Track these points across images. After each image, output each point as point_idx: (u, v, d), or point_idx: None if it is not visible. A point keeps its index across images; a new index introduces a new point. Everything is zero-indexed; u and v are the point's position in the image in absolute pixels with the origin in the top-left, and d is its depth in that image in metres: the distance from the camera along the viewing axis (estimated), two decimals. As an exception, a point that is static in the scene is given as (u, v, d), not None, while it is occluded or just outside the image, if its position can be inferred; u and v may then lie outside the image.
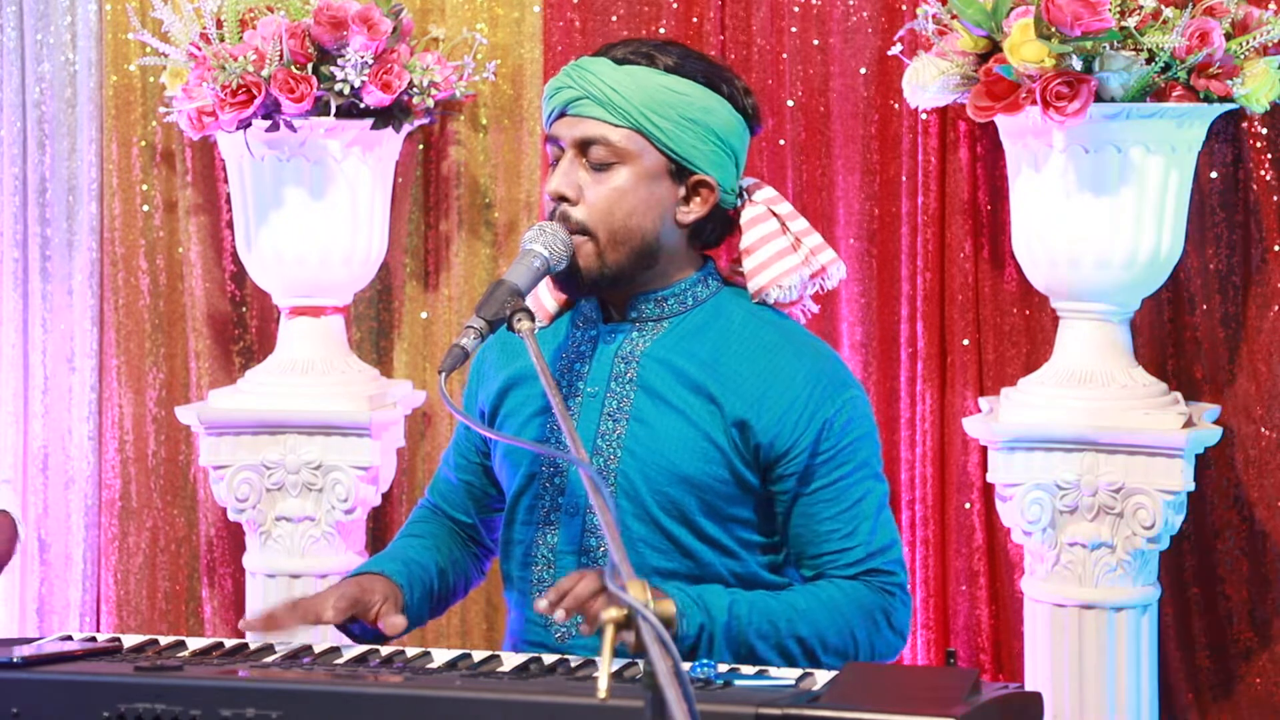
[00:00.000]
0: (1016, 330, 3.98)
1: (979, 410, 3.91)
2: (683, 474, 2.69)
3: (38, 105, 4.29)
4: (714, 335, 2.74)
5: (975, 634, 4.00)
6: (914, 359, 4.00)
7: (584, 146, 2.70)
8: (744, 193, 2.80)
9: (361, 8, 3.81)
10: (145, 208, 4.30)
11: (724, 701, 2.19)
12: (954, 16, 3.60)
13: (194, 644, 2.51)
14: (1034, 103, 3.47)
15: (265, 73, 3.77)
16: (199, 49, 3.84)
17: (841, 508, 2.70)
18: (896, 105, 3.96)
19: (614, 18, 4.09)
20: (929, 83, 3.64)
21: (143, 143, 4.29)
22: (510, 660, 2.45)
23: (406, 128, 3.96)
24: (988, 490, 3.86)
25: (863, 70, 3.99)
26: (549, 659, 2.46)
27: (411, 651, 2.51)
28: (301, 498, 3.97)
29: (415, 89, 3.89)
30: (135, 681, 2.30)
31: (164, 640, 2.52)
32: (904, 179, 3.98)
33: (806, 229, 2.81)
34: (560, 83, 2.74)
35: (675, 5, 4.07)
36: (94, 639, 2.54)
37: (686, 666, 2.18)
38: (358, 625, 2.69)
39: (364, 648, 2.52)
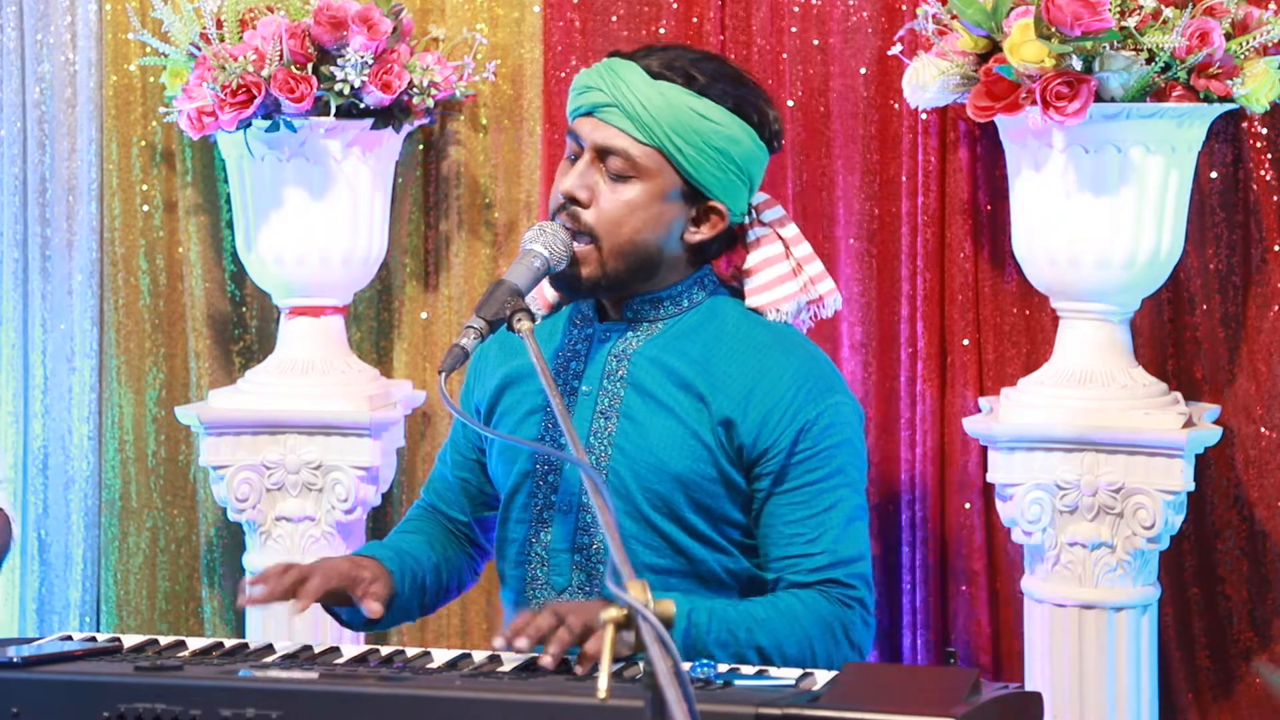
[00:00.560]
0: (1016, 330, 3.97)
1: (979, 410, 3.90)
2: (672, 471, 2.69)
3: (38, 105, 4.29)
4: (707, 335, 2.74)
5: (975, 634, 4.00)
6: (914, 359, 4.00)
7: (604, 153, 2.70)
8: (752, 209, 2.80)
9: (361, 8, 3.81)
10: (145, 208, 4.30)
11: (724, 701, 2.19)
12: (954, 16, 3.60)
13: (194, 644, 2.51)
14: (1034, 103, 3.46)
15: (265, 73, 3.77)
16: (199, 49, 3.84)
17: (809, 512, 2.68)
18: (896, 105, 3.96)
19: (614, 18, 4.09)
20: (929, 83, 3.64)
21: (143, 143, 4.29)
22: (510, 660, 2.45)
23: (406, 128, 3.96)
24: (988, 490, 3.86)
25: (863, 70, 3.99)
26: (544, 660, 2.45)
27: (411, 651, 2.51)
28: (301, 498, 3.97)
29: (415, 89, 3.89)
30: (135, 681, 2.30)
31: (164, 640, 2.52)
32: (904, 179, 3.98)
33: (809, 255, 2.82)
34: (592, 82, 2.73)
35: (675, 5, 4.07)
36: (94, 639, 2.54)
37: (686, 666, 2.18)
38: (346, 611, 2.69)
39: (364, 648, 2.52)
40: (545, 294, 2.83)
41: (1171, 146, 3.60)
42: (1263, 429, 3.86)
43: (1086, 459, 3.62)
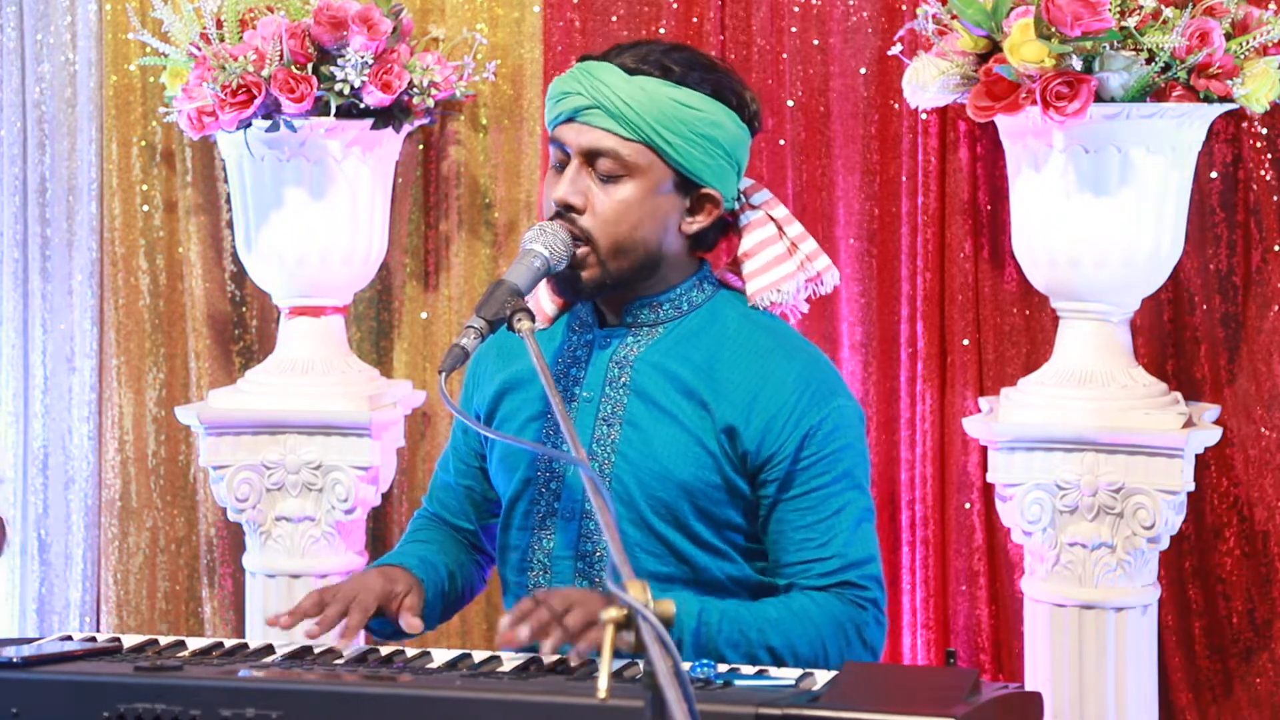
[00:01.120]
0: (1016, 330, 3.98)
1: (979, 410, 3.90)
2: (676, 479, 2.68)
3: (38, 105, 4.29)
4: (708, 340, 2.73)
5: (975, 634, 4.00)
6: (914, 359, 4.00)
7: (592, 156, 2.69)
8: (741, 195, 2.80)
9: (361, 8, 3.81)
10: (145, 208, 4.30)
11: (724, 701, 2.19)
12: (954, 16, 3.60)
13: (194, 644, 2.51)
14: (1034, 103, 3.46)
15: (265, 73, 3.77)
16: (199, 49, 3.84)
17: (818, 517, 2.68)
18: (896, 105, 3.96)
19: (614, 18, 4.09)
20: (929, 83, 3.64)
21: (143, 143, 4.29)
22: (510, 660, 2.45)
23: (406, 128, 3.96)
24: (988, 490, 3.86)
25: (863, 70, 3.99)
26: (549, 659, 2.45)
27: (411, 651, 2.51)
28: (301, 498, 3.97)
29: (415, 89, 3.89)
30: (135, 681, 2.30)
31: (164, 640, 2.52)
32: (904, 179, 3.98)
33: (802, 234, 2.82)
34: (569, 87, 2.71)
35: (675, 5, 4.07)
36: (94, 639, 2.54)
37: (686, 666, 2.18)
38: (375, 621, 2.68)
39: (364, 648, 2.52)
40: (545, 309, 2.82)
41: (1171, 146, 3.60)
42: (1263, 429, 3.86)
43: (1086, 459, 3.62)
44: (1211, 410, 3.81)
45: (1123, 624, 3.65)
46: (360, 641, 2.63)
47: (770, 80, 4.03)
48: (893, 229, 4.01)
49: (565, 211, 2.68)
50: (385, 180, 4.05)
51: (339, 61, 3.79)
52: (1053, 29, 3.43)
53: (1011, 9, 3.51)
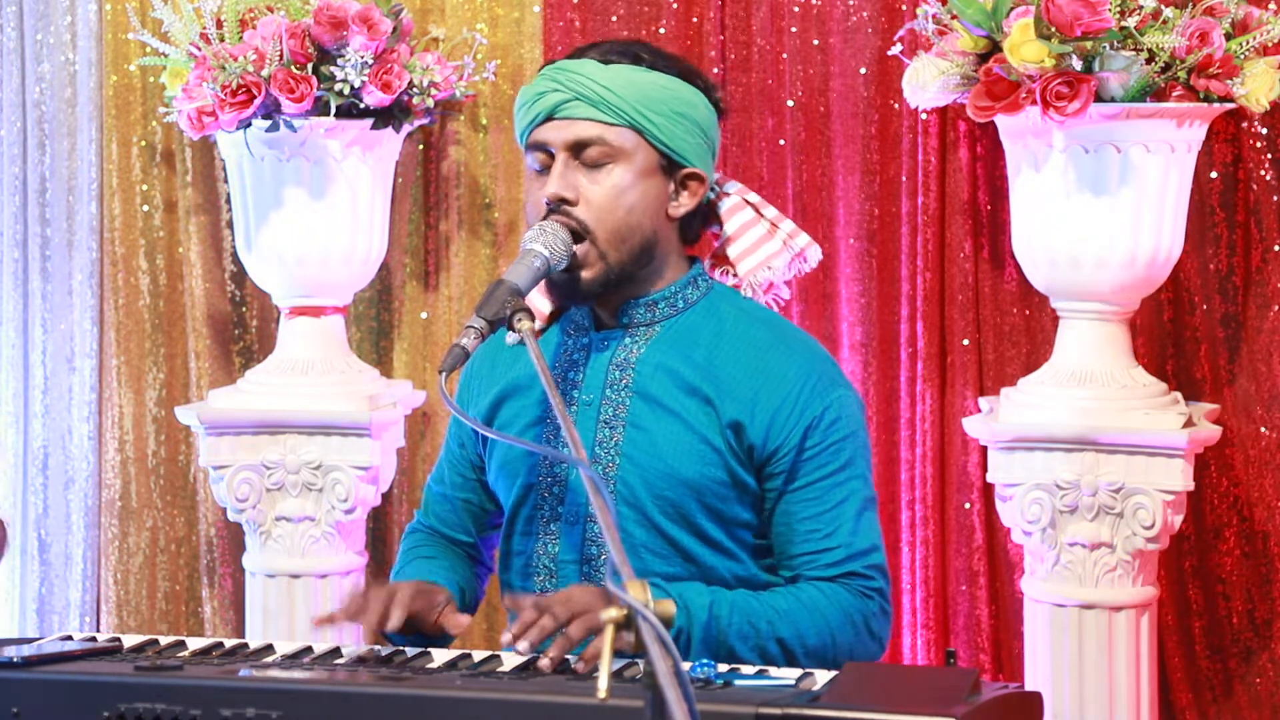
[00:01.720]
0: (1016, 330, 3.98)
1: (979, 410, 3.91)
2: (682, 477, 2.68)
3: (38, 105, 4.29)
4: (707, 337, 2.74)
5: (975, 634, 4.00)
6: (914, 359, 4.00)
7: (578, 148, 2.70)
8: (715, 185, 2.83)
9: (361, 8, 3.81)
10: (145, 208, 4.30)
11: (724, 701, 2.19)
12: (954, 16, 3.60)
13: (194, 644, 2.51)
14: (1034, 103, 3.47)
15: (265, 73, 3.77)
16: (199, 49, 3.84)
17: (823, 508, 2.68)
18: (896, 105, 3.96)
19: (614, 18, 4.09)
20: (929, 83, 3.64)
21: (143, 143, 4.29)
22: (510, 660, 2.45)
23: (406, 128, 3.96)
24: (988, 490, 3.86)
25: (863, 70, 3.99)
26: (542, 663, 2.45)
27: (411, 651, 2.51)
28: (301, 498, 3.97)
29: (415, 89, 3.89)
30: (135, 681, 2.30)
31: (164, 640, 2.52)
32: (904, 179, 3.98)
33: (778, 215, 2.88)
34: (543, 87, 2.73)
35: (675, 5, 4.07)
36: (94, 639, 2.54)
37: (686, 666, 2.18)
38: (394, 634, 2.67)
39: (364, 648, 2.52)
40: (540, 308, 2.83)
41: (1171, 146, 3.60)
42: (1263, 429, 3.86)
43: (1086, 459, 3.62)
44: (1211, 410, 3.82)
45: (1123, 624, 3.65)
46: (360, 640, 2.62)
47: (770, 80, 4.03)
48: (893, 229, 4.01)
49: (559, 206, 2.69)
50: (385, 180, 4.05)
51: (339, 61, 3.79)
52: (1053, 29, 3.43)
53: (1011, 9, 3.51)
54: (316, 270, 3.97)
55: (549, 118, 2.72)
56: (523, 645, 2.41)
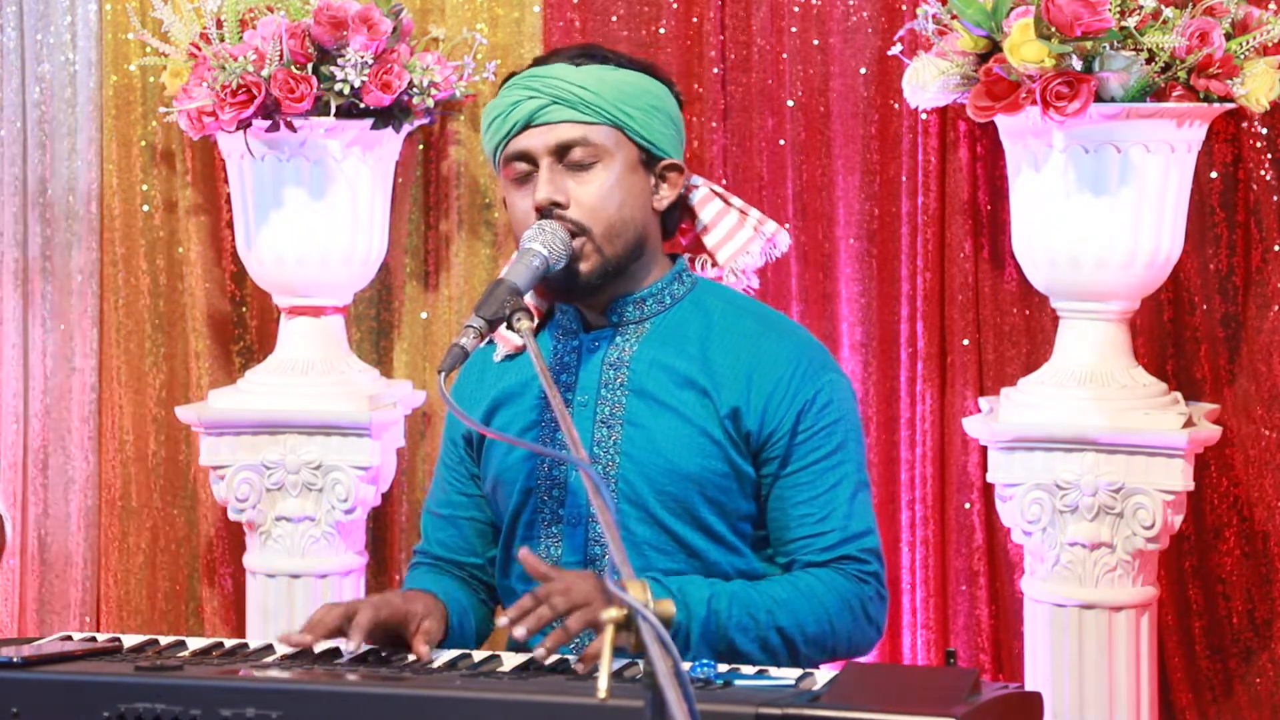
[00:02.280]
0: (1016, 330, 3.98)
1: (979, 410, 3.90)
2: (683, 471, 2.69)
3: (38, 105, 4.29)
4: (697, 330, 2.75)
5: (975, 634, 4.00)
6: (914, 359, 4.00)
7: (562, 151, 2.71)
8: None
9: (361, 8, 3.81)
10: (145, 208, 4.30)
11: (724, 701, 2.19)
12: (954, 16, 3.60)
13: (194, 644, 2.51)
14: (1034, 103, 3.47)
15: (265, 73, 3.77)
16: (199, 49, 3.84)
17: (816, 492, 2.69)
18: (896, 105, 3.96)
19: (614, 18, 4.09)
20: (929, 83, 3.64)
21: (143, 143, 4.29)
22: (510, 660, 2.45)
23: (406, 128, 3.96)
24: (988, 490, 3.86)
25: (863, 70, 3.99)
26: (537, 652, 2.45)
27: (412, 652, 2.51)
28: (301, 498, 3.97)
29: (415, 89, 3.89)
30: (135, 681, 2.29)
31: (164, 640, 2.52)
32: (904, 179, 3.98)
33: (744, 204, 2.94)
34: (517, 96, 2.73)
35: (675, 5, 4.07)
36: (94, 639, 2.54)
37: (686, 666, 2.18)
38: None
39: (364, 647, 2.51)
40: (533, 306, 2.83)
41: (1171, 146, 3.60)
42: (1263, 429, 3.86)
43: (1086, 459, 3.62)
44: (1211, 410, 3.81)
45: (1123, 624, 3.65)
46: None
47: (770, 80, 4.03)
48: (893, 229, 4.01)
49: (550, 211, 2.69)
50: (385, 180, 4.05)
51: (339, 61, 3.79)
52: (1053, 29, 3.43)
53: (1011, 9, 3.51)
54: (316, 270, 3.97)
55: (527, 125, 2.72)
56: (519, 631, 2.40)
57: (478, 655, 2.48)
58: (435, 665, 2.44)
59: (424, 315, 4.25)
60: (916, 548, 4.01)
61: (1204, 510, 3.89)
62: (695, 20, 4.07)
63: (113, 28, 4.25)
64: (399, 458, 4.15)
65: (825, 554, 2.69)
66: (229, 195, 4.13)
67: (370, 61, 3.79)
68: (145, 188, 4.29)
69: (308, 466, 3.95)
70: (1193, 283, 3.88)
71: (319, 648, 2.50)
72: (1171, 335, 3.92)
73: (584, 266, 2.70)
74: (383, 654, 2.49)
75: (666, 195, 2.78)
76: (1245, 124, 3.82)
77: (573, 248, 2.69)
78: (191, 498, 4.33)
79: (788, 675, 2.36)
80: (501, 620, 2.44)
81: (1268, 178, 3.82)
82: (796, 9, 4.01)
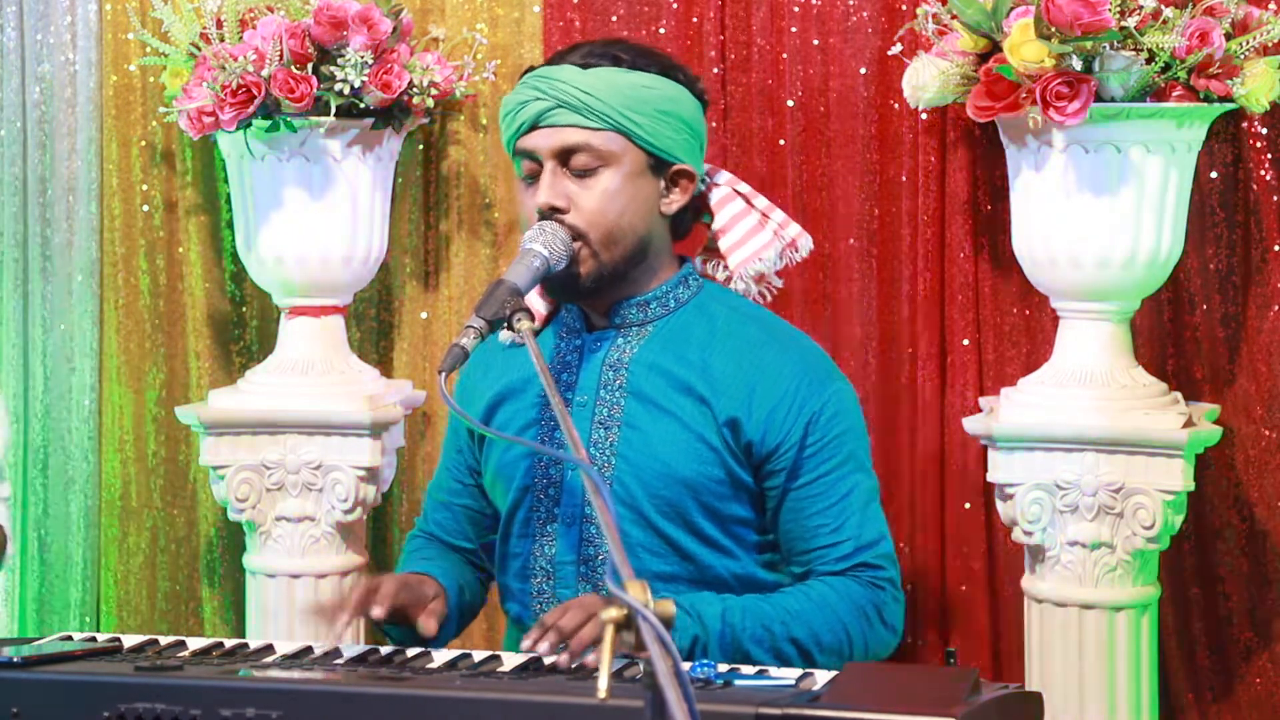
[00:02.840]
0: (1016, 330, 3.97)
1: (979, 410, 3.90)
2: (679, 476, 2.68)
3: (38, 105, 4.29)
4: (699, 335, 2.74)
5: (975, 634, 4.00)
6: (914, 359, 4.00)
7: (565, 155, 2.70)
8: (704, 177, 2.83)
9: (361, 8, 3.81)
10: (145, 208, 4.30)
11: (724, 701, 2.19)
12: (954, 16, 3.60)
13: (194, 644, 2.51)
14: (1034, 103, 3.47)
15: (265, 73, 3.77)
16: (199, 49, 3.84)
17: (829, 502, 2.70)
18: (896, 105, 3.96)
19: (614, 18, 4.09)
20: (929, 83, 3.64)
21: (143, 143, 4.29)
22: (510, 660, 2.45)
23: (406, 128, 3.96)
24: (988, 490, 3.86)
25: (863, 70, 3.99)
26: (549, 659, 2.45)
27: (411, 651, 2.51)
28: (301, 498, 3.97)
29: (415, 89, 3.89)
30: (135, 681, 2.30)
31: (164, 640, 2.52)
32: (904, 179, 3.98)
33: (769, 205, 2.87)
34: (525, 95, 2.73)
35: (675, 5, 4.07)
36: (94, 639, 2.54)
37: (686, 666, 2.18)
38: (397, 630, 2.67)
39: (364, 647, 2.52)
40: (536, 307, 2.83)
41: (1171, 146, 3.60)
42: (1263, 429, 3.86)
43: (1086, 459, 3.62)
44: (1211, 410, 3.81)
45: (1122, 624, 3.65)
46: (360, 641, 2.62)
47: (770, 80, 4.03)
48: (893, 229, 4.01)
49: (551, 215, 2.69)
50: (385, 180, 4.05)
51: (339, 61, 3.79)
52: (1053, 29, 3.43)
53: (1011, 9, 3.51)
54: (316, 270, 3.97)
55: (534, 126, 2.72)
56: (543, 647, 2.42)
57: (478, 655, 2.48)
58: (435, 665, 2.44)
59: (424, 315, 4.25)
60: (917, 548, 4.00)
61: (1204, 510, 3.89)
62: (695, 20, 4.06)
63: (113, 28, 4.25)
64: (399, 458, 4.15)
65: (841, 564, 2.69)
66: (229, 195, 4.14)
67: (370, 61, 3.79)
68: (145, 188, 4.29)
69: (308, 466, 3.95)
70: (1193, 283, 3.88)
71: (319, 648, 2.51)
72: (1171, 335, 3.91)
73: (582, 270, 2.70)
74: (383, 654, 2.49)
75: (676, 200, 2.76)
76: (1245, 124, 3.82)
77: (573, 249, 2.69)
78: (191, 498, 4.33)
79: (788, 675, 2.36)
80: (525, 644, 2.45)
81: (1268, 178, 3.82)
82: (796, 9, 4.01)
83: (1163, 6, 3.48)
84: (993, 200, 3.96)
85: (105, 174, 4.30)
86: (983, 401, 3.91)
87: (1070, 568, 3.65)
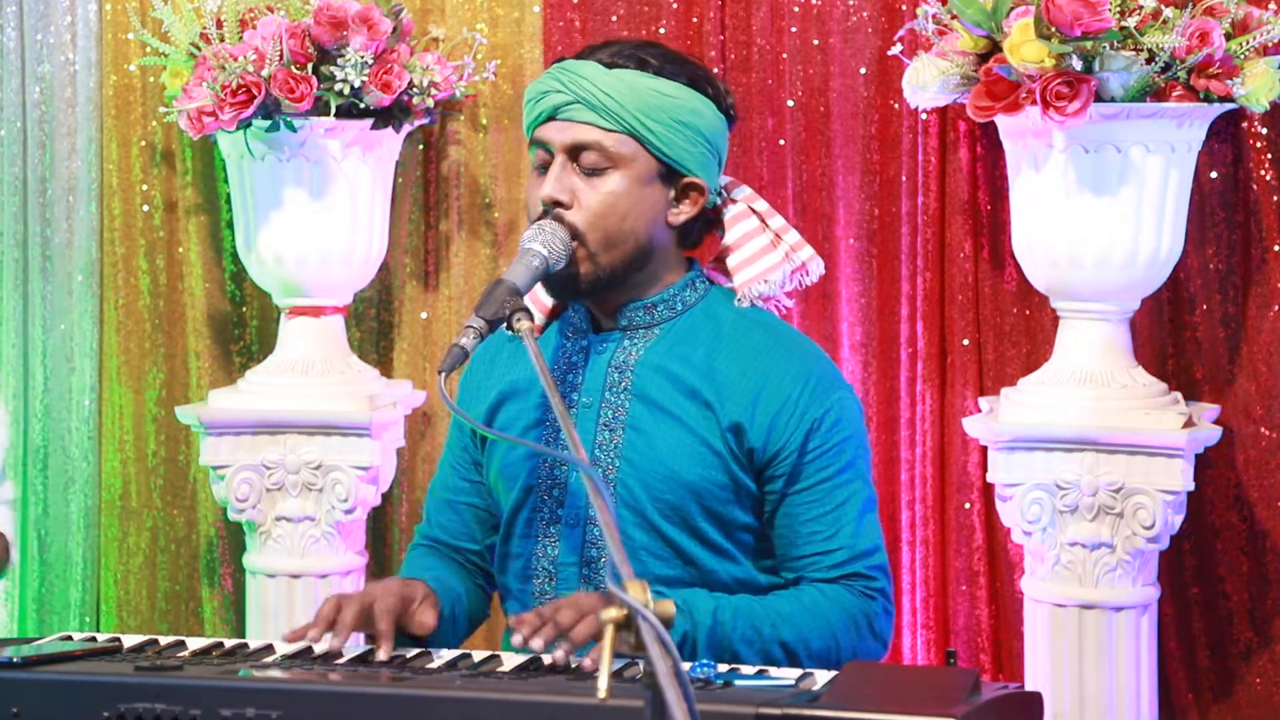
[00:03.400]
0: (1016, 330, 3.98)
1: (979, 410, 3.91)
2: (682, 480, 2.68)
3: (38, 105, 4.29)
4: (705, 339, 2.73)
5: (975, 634, 4.00)
6: (914, 359, 4.00)
7: (576, 151, 2.69)
8: (722, 191, 2.82)
9: (361, 8, 3.81)
10: (145, 208, 4.30)
11: (724, 701, 2.19)
12: (954, 16, 3.60)
13: (194, 644, 2.51)
14: (1034, 103, 3.47)
15: (265, 73, 3.77)
16: (199, 49, 3.84)
17: (825, 509, 2.69)
18: (896, 105, 3.96)
19: (614, 18, 4.09)
20: (929, 83, 3.64)
21: (143, 143, 4.29)
22: (510, 660, 2.45)
23: (406, 128, 3.96)
24: (988, 490, 3.86)
25: (863, 70, 3.99)
26: (549, 659, 2.45)
27: (411, 651, 2.51)
28: (301, 498, 3.97)
29: (415, 89, 3.89)
30: (135, 681, 2.29)
31: (164, 640, 2.52)
32: (904, 179, 3.98)
33: (784, 226, 2.83)
34: (548, 86, 2.72)
35: (675, 5, 4.07)
36: (94, 639, 2.54)
37: (686, 666, 2.18)
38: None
39: (364, 647, 2.52)
40: (542, 299, 2.82)
41: (1171, 146, 3.60)
42: (1263, 429, 3.86)
43: (1086, 459, 3.62)
44: (1211, 410, 3.81)
45: (1123, 624, 3.65)
46: (360, 641, 2.62)
47: (770, 80, 4.03)
48: (893, 229, 4.01)
49: (552, 208, 2.68)
50: (385, 180, 4.05)
51: (339, 61, 3.79)
52: (1053, 29, 3.43)
53: (1011, 9, 3.51)
54: (316, 270, 3.97)
55: (551, 117, 2.71)
56: (537, 643, 2.41)
57: (478, 655, 2.48)
58: (435, 665, 2.44)
59: (424, 315, 4.25)
60: (916, 548, 4.01)
61: (1204, 510, 3.89)
62: (695, 20, 4.07)
63: (113, 28, 4.25)
64: (399, 458, 4.15)
65: (833, 571, 2.68)
66: (229, 195, 4.14)
67: (370, 61, 3.79)
68: (145, 188, 4.29)
69: (308, 466, 3.95)
70: (1193, 283, 3.88)
71: (319, 648, 2.50)
72: (1171, 335, 3.92)
73: (581, 270, 2.70)
74: (383, 654, 2.48)
75: (685, 212, 2.74)
76: (1245, 124, 3.82)
77: (572, 249, 2.69)
78: (191, 498, 4.33)
79: (788, 675, 2.36)
80: (516, 640, 2.43)
81: (1268, 178, 3.82)
82: (796, 9, 4.01)
83: (1163, 6, 3.48)
84: (993, 200, 3.96)
85: (105, 174, 4.30)
86: (983, 401, 3.91)
87: (1070, 568, 3.65)
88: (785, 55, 4.03)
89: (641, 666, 2.00)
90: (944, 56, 3.63)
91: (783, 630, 2.62)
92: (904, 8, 3.93)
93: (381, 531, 4.27)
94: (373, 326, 4.28)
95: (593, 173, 2.69)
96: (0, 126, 4.29)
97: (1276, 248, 3.84)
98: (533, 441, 2.76)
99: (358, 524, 4.02)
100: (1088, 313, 3.69)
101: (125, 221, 4.30)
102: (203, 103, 3.80)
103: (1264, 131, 3.81)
